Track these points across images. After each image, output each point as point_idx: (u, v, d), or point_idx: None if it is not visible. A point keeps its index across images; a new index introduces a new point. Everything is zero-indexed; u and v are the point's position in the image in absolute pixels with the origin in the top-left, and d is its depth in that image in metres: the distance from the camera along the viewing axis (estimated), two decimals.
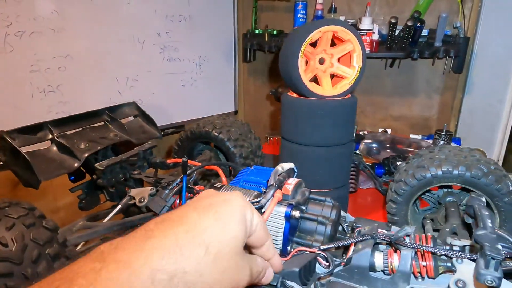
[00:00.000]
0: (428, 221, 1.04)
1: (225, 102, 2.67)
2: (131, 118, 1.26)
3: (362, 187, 1.55)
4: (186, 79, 2.39)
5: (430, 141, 1.94)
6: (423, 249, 0.66)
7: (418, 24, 1.82)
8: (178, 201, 0.94)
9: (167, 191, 0.90)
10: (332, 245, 0.77)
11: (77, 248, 0.75)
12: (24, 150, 0.86)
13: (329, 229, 0.82)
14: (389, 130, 2.14)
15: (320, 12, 2.14)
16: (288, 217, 0.77)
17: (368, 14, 2.04)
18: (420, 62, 2.20)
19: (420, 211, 1.11)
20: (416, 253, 0.67)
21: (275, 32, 2.35)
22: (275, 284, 0.68)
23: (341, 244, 0.76)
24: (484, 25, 2.05)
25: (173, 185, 0.91)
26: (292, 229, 0.81)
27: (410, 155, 1.28)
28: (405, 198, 1.02)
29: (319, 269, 0.80)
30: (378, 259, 0.71)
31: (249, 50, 2.44)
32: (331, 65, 1.16)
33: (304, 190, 0.89)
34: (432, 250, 0.66)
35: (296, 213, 0.78)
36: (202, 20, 2.34)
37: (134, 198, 0.97)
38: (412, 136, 2.04)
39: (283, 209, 0.79)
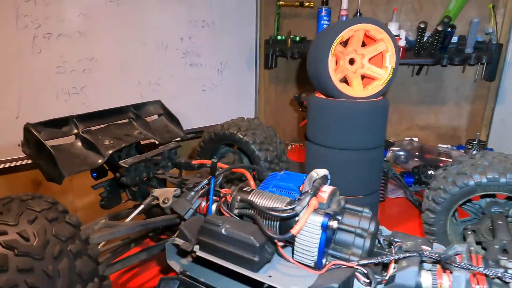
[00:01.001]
0: (469, 232, 0.96)
1: (245, 109, 2.64)
2: (155, 116, 1.23)
3: (390, 196, 1.47)
4: (207, 85, 2.38)
5: (461, 151, 1.85)
6: (476, 271, 0.60)
7: (449, 29, 1.75)
8: (203, 204, 0.90)
9: (192, 193, 0.86)
10: (372, 260, 0.71)
11: (99, 247, 0.71)
12: (49, 144, 0.84)
13: (368, 242, 0.76)
14: (415, 139, 2.06)
15: (344, 18, 2.10)
16: (325, 227, 0.72)
17: (395, 20, 1.99)
18: (449, 69, 2.12)
19: (458, 222, 1.03)
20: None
21: (297, 39, 2.32)
22: None
23: (383, 260, 0.69)
24: None
25: (199, 186, 0.87)
26: (328, 241, 0.75)
27: (445, 163, 1.21)
28: (445, 207, 0.95)
29: (356, 286, 0.74)
30: (426, 279, 0.64)
31: (271, 57, 2.42)
32: (362, 65, 1.11)
33: (340, 199, 0.82)
34: (486, 273, 0.59)
35: (334, 224, 0.72)
36: (224, 26, 2.33)
37: (157, 199, 0.93)
38: (440, 146, 1.95)
39: (319, 219, 0.73)
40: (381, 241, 0.81)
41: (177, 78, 2.21)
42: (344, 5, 2.08)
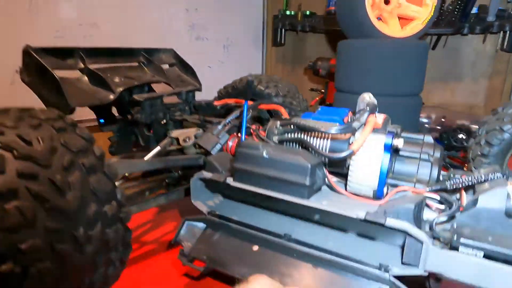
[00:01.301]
0: None
1: None
2: (167, 66, 1.11)
3: None
4: (214, 61, 2.26)
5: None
6: None
7: None
8: (230, 143, 0.78)
9: (219, 127, 0.75)
10: (448, 184, 0.60)
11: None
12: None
13: (436, 169, 0.65)
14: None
15: None
16: (389, 147, 0.60)
17: None
18: (466, 43, 2.03)
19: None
20: None
21: (308, 13, 2.22)
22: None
23: (464, 182, 0.57)
24: None
25: (228, 120, 0.76)
26: (389, 166, 0.63)
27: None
28: (501, 150, 0.85)
29: (426, 216, 0.61)
30: None
31: (279, 31, 2.31)
32: (398, 5, 1.00)
33: (395, 126, 0.72)
34: None
35: (399, 143, 0.61)
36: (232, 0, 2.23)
37: (175, 140, 0.81)
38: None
39: (381, 137, 0.61)
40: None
41: (183, 52, 2.08)
42: None
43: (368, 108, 0.61)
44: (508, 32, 1.80)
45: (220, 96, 1.22)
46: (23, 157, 0.44)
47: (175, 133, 0.82)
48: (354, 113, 0.78)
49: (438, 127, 1.58)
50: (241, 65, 2.40)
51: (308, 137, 0.64)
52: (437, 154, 0.64)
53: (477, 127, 1.51)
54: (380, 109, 1.00)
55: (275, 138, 0.66)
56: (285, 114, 0.77)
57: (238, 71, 2.38)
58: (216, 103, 0.87)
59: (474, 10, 1.88)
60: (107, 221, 0.51)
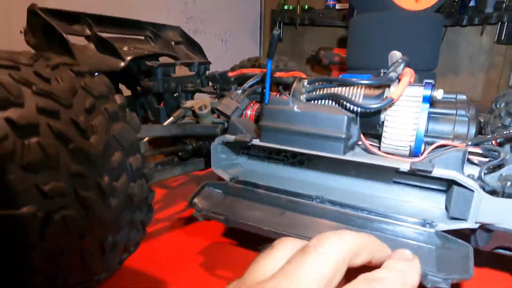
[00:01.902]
0: None
1: None
2: (173, 44, 1.07)
3: None
4: (212, 57, 2.22)
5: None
6: None
7: None
8: (249, 112, 0.74)
9: (239, 91, 0.71)
10: (490, 136, 0.57)
11: None
12: None
13: (474, 127, 0.62)
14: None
15: None
16: (428, 99, 0.57)
17: None
18: (463, 36, 2.05)
19: None
20: None
21: (306, 7, 2.22)
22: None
23: (506, 133, 0.55)
24: None
25: (248, 85, 0.72)
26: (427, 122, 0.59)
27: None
28: None
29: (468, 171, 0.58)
30: None
31: (278, 25, 2.30)
32: None
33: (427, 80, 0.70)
34: None
35: (439, 94, 0.58)
36: None
37: (190, 110, 0.77)
38: None
39: (419, 90, 0.59)
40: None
41: None
42: None
43: (402, 61, 0.58)
44: (506, 24, 1.82)
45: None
46: (43, 93, 0.39)
47: (189, 103, 0.78)
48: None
49: None
50: (239, 59, 2.37)
51: (340, 92, 0.60)
52: (472, 111, 0.61)
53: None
54: None
55: (303, 97, 0.63)
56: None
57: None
58: (230, 74, 0.83)
59: (472, 3, 1.91)
60: (132, 174, 0.46)
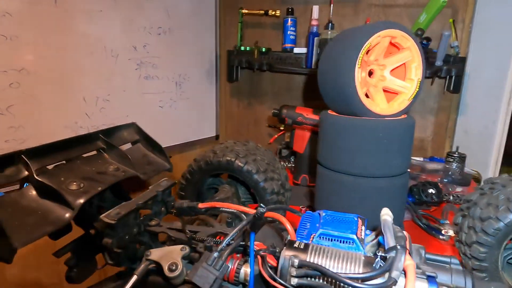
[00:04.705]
0: None
1: (206, 126, 2.39)
2: (129, 145, 0.95)
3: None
4: (165, 100, 2.08)
5: (436, 163, 1.84)
6: None
7: (425, 41, 1.74)
8: (230, 266, 0.65)
9: (215, 254, 0.61)
10: None
11: None
12: None
13: None
14: None
15: (315, 28, 2.00)
16: None
17: None
18: None
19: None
20: None
21: (263, 49, 2.16)
22: None
23: None
24: (475, 46, 2.04)
25: (224, 243, 0.63)
26: None
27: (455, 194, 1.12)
28: (498, 240, 0.83)
29: None
30: None
31: (235, 69, 2.22)
32: (383, 78, 0.97)
33: (418, 247, 0.65)
34: None
35: None
36: (182, 34, 2.08)
37: (157, 264, 0.66)
38: (412, 158, 1.92)
39: (424, 286, 0.54)
40: None
41: (130, 93, 1.88)
42: (315, 14, 1.98)
43: (400, 246, 0.53)
44: (454, 77, 1.92)
45: (192, 171, 1.08)
46: None
47: (154, 254, 0.66)
48: (362, 220, 0.71)
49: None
50: (195, 102, 2.25)
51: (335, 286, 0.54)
52: (469, 285, 0.58)
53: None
54: (368, 191, 0.95)
55: (294, 282, 0.55)
56: (291, 232, 0.66)
57: (192, 109, 2.24)
58: (200, 205, 0.73)
59: None
60: None
